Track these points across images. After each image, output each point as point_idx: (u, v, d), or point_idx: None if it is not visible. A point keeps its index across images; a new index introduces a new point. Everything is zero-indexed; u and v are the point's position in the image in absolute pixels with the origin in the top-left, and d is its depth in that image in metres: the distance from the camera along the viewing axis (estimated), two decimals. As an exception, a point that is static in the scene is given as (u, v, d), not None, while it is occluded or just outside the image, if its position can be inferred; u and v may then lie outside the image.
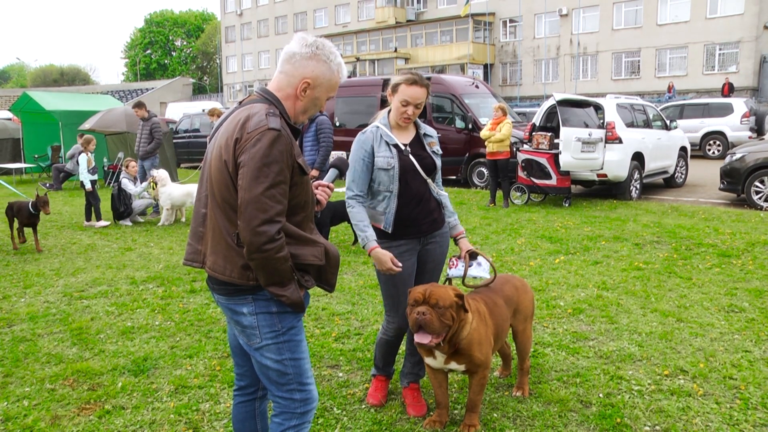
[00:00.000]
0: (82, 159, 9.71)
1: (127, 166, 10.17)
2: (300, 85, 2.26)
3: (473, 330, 3.08)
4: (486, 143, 10.70)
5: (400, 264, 3.14)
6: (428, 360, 3.17)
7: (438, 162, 3.39)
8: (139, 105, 11.19)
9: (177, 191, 9.78)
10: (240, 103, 2.33)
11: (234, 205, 2.16)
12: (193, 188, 9.78)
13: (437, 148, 3.41)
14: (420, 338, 2.92)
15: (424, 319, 2.88)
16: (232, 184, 2.15)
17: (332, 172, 2.77)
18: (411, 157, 3.29)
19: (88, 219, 9.77)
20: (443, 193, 3.46)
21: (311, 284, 2.31)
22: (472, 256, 3.40)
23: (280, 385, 2.32)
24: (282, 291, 2.19)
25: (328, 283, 2.38)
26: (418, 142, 3.37)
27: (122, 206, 9.77)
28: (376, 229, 3.33)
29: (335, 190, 2.86)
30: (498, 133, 10.37)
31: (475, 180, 13.91)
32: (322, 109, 2.43)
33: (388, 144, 3.27)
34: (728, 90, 28.27)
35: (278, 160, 2.09)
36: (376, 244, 3.17)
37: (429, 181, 3.35)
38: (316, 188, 2.54)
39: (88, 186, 9.58)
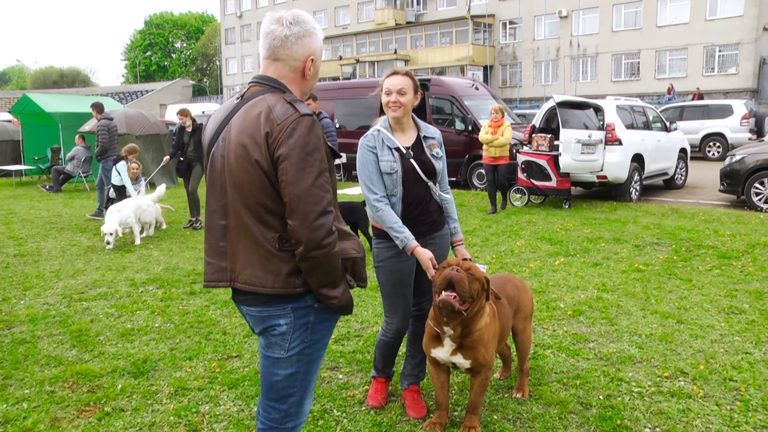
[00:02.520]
0: (122, 167, 9.86)
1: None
2: (308, 65, 2.17)
3: (485, 327, 3.09)
4: (485, 148, 10.22)
5: (436, 266, 3.10)
6: (435, 351, 3.15)
7: (438, 165, 3.35)
8: (93, 106, 11.18)
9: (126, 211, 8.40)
10: (242, 97, 2.14)
11: (271, 207, 2.01)
12: (140, 200, 8.81)
13: (437, 150, 3.37)
14: (447, 295, 2.88)
15: (456, 275, 2.88)
16: (269, 184, 1.99)
17: None
18: (412, 160, 3.28)
19: None
20: (447, 197, 3.43)
21: (354, 284, 2.19)
22: None
23: (280, 396, 2.19)
24: (333, 292, 2.07)
25: (361, 279, 2.24)
26: (419, 145, 3.35)
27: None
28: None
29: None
30: (501, 137, 9.97)
31: (475, 182, 13.91)
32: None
33: (389, 148, 3.25)
34: (698, 98, 28.63)
35: (318, 146, 1.98)
36: (416, 243, 3.16)
37: (430, 184, 3.34)
38: None
39: (132, 191, 9.86)
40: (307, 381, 2.21)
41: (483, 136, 10.22)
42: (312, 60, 2.17)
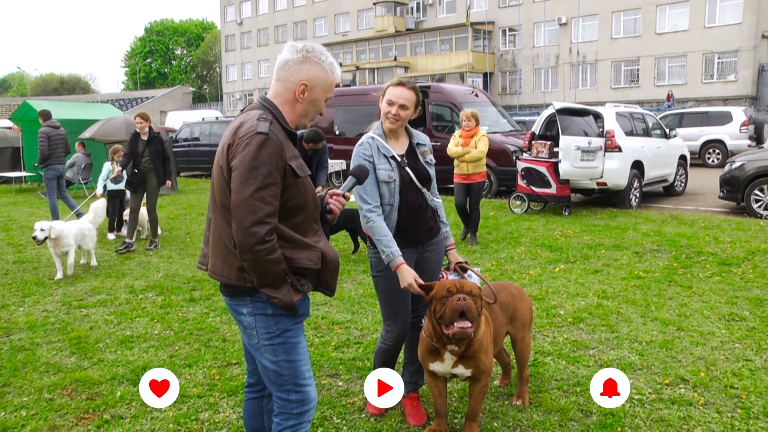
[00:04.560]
0: (106, 166, 9.73)
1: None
2: (298, 89, 2.33)
3: (483, 334, 3.08)
4: (456, 163, 8.42)
5: (421, 283, 3.06)
6: (434, 365, 3.13)
7: (432, 172, 3.38)
8: (39, 113, 10.70)
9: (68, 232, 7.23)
10: (242, 111, 2.41)
11: (231, 208, 2.23)
12: (83, 224, 7.64)
13: (431, 157, 3.40)
14: (462, 324, 2.86)
15: (466, 304, 2.86)
16: (227, 188, 2.23)
17: (350, 180, 2.72)
18: (407, 168, 3.29)
19: (111, 229, 9.64)
20: (438, 201, 3.45)
21: (308, 288, 2.35)
22: (462, 269, 3.34)
23: (277, 385, 2.39)
24: (274, 293, 2.24)
25: (327, 288, 2.42)
26: (412, 153, 3.36)
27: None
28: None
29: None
30: (474, 150, 8.15)
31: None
32: (322, 112, 2.45)
33: (386, 156, 3.25)
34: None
35: (266, 162, 2.16)
36: (402, 260, 3.11)
37: (425, 190, 3.35)
38: (330, 197, 2.55)
39: (99, 191, 9.57)
40: (293, 368, 2.37)
41: (452, 148, 8.31)
42: (304, 85, 2.33)
